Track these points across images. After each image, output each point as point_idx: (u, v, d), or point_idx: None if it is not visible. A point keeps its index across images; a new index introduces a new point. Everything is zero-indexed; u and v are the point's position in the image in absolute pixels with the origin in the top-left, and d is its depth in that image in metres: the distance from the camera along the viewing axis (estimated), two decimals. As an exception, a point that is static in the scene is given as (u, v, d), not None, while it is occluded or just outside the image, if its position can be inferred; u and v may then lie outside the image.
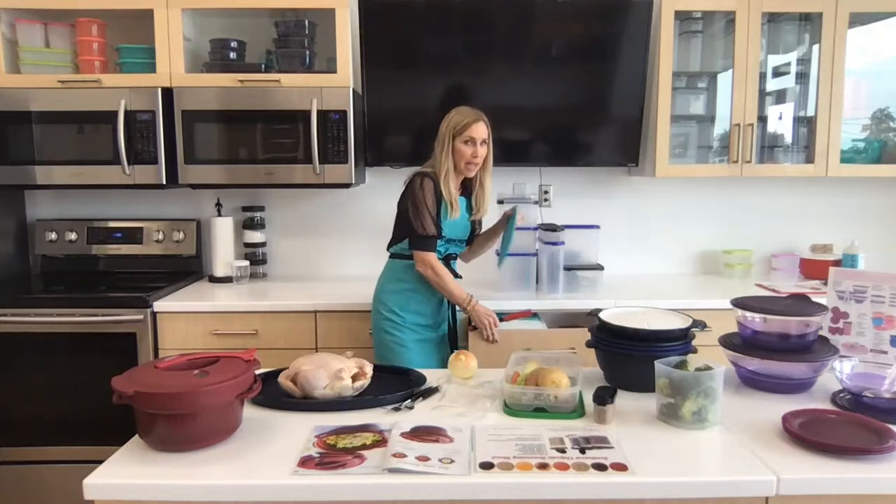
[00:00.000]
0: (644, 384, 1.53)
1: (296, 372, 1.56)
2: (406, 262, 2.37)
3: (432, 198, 2.31)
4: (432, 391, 1.61)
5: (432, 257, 2.31)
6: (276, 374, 1.67)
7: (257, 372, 1.65)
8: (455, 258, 2.51)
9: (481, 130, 2.33)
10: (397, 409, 1.50)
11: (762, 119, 2.98)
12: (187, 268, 3.10)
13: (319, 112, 2.71)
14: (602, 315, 1.72)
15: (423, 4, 2.83)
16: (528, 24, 2.85)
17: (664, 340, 1.61)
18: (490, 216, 2.56)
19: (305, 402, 1.53)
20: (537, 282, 2.82)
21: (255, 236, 3.12)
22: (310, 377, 1.52)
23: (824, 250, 3.13)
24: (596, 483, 1.19)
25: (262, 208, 3.14)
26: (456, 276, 2.43)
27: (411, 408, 1.51)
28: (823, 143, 2.89)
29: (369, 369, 1.60)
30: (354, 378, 1.55)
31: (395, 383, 1.67)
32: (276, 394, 1.57)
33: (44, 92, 2.71)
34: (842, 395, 1.56)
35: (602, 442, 1.33)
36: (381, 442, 1.33)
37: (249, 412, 1.47)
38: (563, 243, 2.75)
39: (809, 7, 2.85)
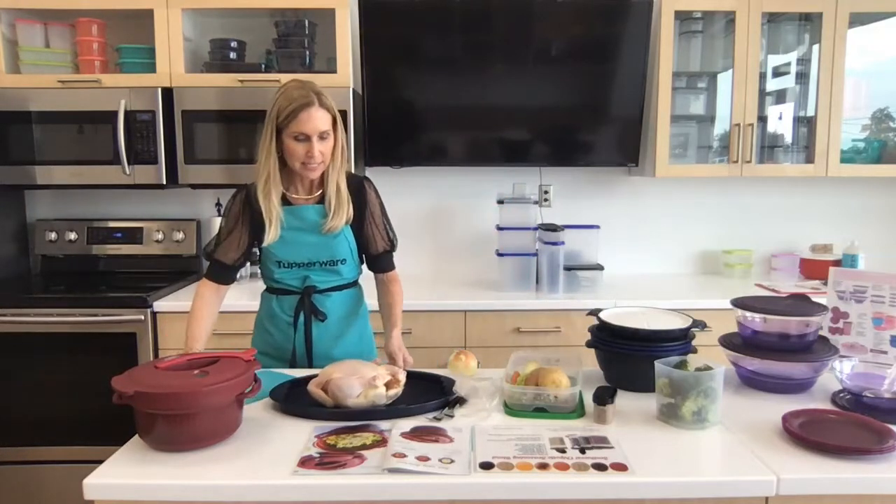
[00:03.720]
0: (644, 384, 1.53)
1: (327, 380, 1.50)
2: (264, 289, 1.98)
3: (241, 210, 1.84)
4: (463, 399, 1.55)
5: (200, 285, 1.92)
6: (304, 381, 1.59)
7: (282, 379, 1.63)
8: (320, 291, 1.88)
9: (316, 120, 1.73)
10: (438, 420, 1.45)
11: (762, 119, 2.98)
12: (187, 268, 3.10)
13: (319, 112, 2.71)
14: (602, 315, 1.72)
15: (423, 4, 2.83)
16: (528, 24, 2.85)
17: (664, 340, 1.61)
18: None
19: (339, 412, 1.46)
20: (537, 282, 2.83)
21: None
22: (343, 385, 1.46)
23: (824, 250, 3.13)
24: (596, 483, 1.19)
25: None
26: (318, 316, 1.89)
27: (451, 416, 1.46)
28: (823, 143, 2.89)
29: (402, 377, 1.55)
30: (388, 386, 1.50)
31: (427, 390, 1.60)
32: (305, 403, 1.51)
33: (44, 92, 2.71)
34: (842, 395, 1.56)
35: (602, 442, 1.33)
36: (381, 442, 1.32)
37: (249, 412, 1.47)
38: (563, 243, 2.75)
39: (809, 7, 2.85)
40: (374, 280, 2.02)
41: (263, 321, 1.97)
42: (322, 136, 1.75)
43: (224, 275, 1.91)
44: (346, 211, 1.84)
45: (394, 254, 2.01)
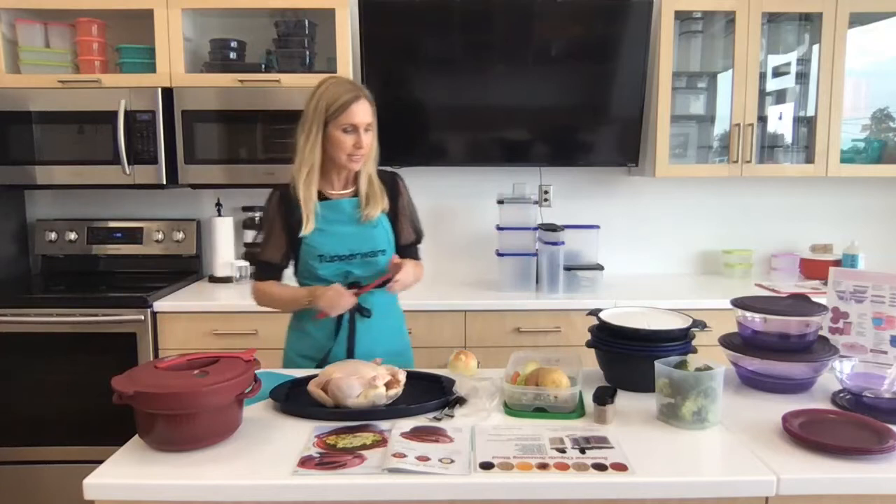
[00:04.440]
0: (644, 384, 1.53)
1: (327, 380, 1.50)
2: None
3: (277, 211, 1.88)
4: (463, 399, 1.55)
5: (255, 286, 1.95)
6: (304, 381, 1.59)
7: (283, 380, 1.63)
8: (363, 286, 1.86)
9: (365, 112, 1.83)
10: (438, 419, 1.45)
11: (762, 119, 2.98)
12: (187, 268, 3.10)
13: (319, 112, 2.71)
14: (602, 315, 1.72)
15: (423, 4, 2.83)
16: (528, 24, 2.85)
17: (664, 340, 1.61)
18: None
19: (339, 412, 1.46)
20: (537, 282, 2.83)
21: (255, 236, 3.11)
22: (342, 385, 1.46)
23: (824, 250, 3.13)
24: (596, 483, 1.19)
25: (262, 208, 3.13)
26: (364, 313, 1.89)
27: (451, 416, 1.46)
28: (823, 143, 2.89)
29: (402, 377, 1.55)
30: (388, 386, 1.50)
31: (427, 390, 1.60)
32: (305, 403, 1.51)
33: (44, 92, 2.71)
34: (842, 395, 1.56)
35: (602, 442, 1.33)
36: (381, 442, 1.32)
37: (249, 412, 1.47)
38: (563, 243, 2.75)
39: (809, 7, 2.85)
40: None
41: (303, 323, 1.95)
42: (367, 128, 1.84)
43: (273, 274, 1.95)
44: (382, 201, 1.91)
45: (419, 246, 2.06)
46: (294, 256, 1.93)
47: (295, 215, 1.85)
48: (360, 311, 1.90)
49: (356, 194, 1.91)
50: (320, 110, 1.80)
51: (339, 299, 1.79)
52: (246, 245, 3.08)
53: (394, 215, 1.96)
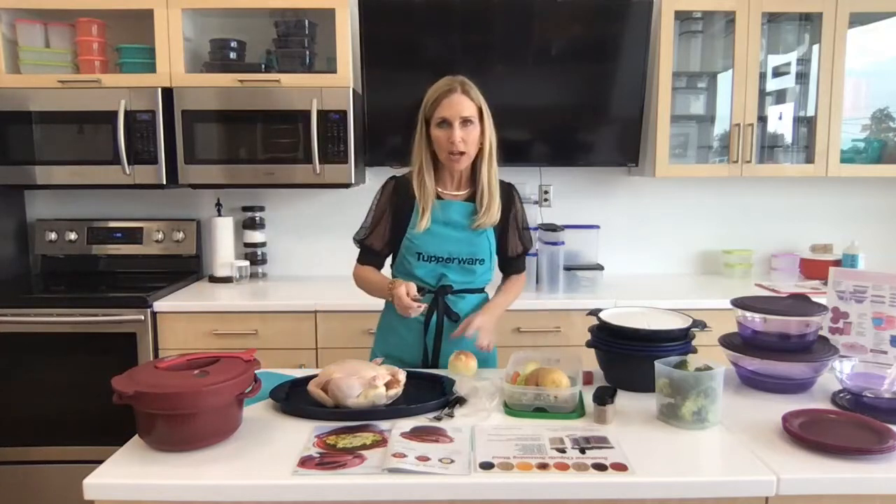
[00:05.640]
0: (644, 384, 1.53)
1: (327, 380, 1.50)
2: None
3: (388, 200, 1.88)
4: (463, 399, 1.55)
5: (356, 268, 1.94)
6: (304, 381, 1.59)
7: (283, 379, 1.63)
8: (454, 291, 1.87)
9: (458, 105, 1.75)
10: (438, 419, 1.45)
11: (762, 119, 2.98)
12: (187, 268, 3.10)
13: (319, 112, 2.71)
14: (602, 315, 1.72)
15: (423, 4, 2.83)
16: (527, 24, 2.85)
17: (664, 340, 1.61)
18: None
19: (339, 412, 1.46)
20: (537, 282, 2.82)
21: (255, 236, 3.12)
22: (342, 385, 1.46)
23: (824, 250, 3.13)
24: (596, 483, 1.19)
25: (262, 208, 3.14)
26: (451, 316, 1.87)
27: (451, 416, 1.46)
28: (823, 143, 2.89)
29: (402, 377, 1.55)
30: (388, 386, 1.50)
31: (427, 390, 1.60)
32: (305, 402, 1.51)
33: (44, 92, 2.71)
34: (842, 395, 1.56)
35: (602, 442, 1.33)
36: (380, 442, 1.32)
37: (249, 412, 1.47)
38: (563, 243, 2.75)
39: (809, 7, 2.85)
40: (501, 280, 2.03)
41: (393, 322, 1.93)
42: (465, 123, 1.76)
43: (375, 260, 1.93)
44: (497, 210, 1.85)
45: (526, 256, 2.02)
46: (395, 248, 1.92)
47: (405, 208, 1.84)
48: (447, 314, 1.88)
49: (469, 196, 1.87)
50: (422, 108, 1.80)
51: (403, 311, 1.75)
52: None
53: (502, 227, 1.91)
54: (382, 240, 1.90)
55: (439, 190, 1.87)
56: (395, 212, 1.87)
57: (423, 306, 1.77)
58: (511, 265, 2.00)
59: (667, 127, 2.90)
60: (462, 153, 1.77)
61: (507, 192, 1.93)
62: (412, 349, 1.90)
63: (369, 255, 1.92)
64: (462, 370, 1.72)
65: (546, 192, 3.16)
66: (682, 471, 1.23)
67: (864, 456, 1.26)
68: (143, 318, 2.55)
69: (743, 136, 2.88)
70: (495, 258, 1.95)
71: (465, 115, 1.75)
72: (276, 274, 3.20)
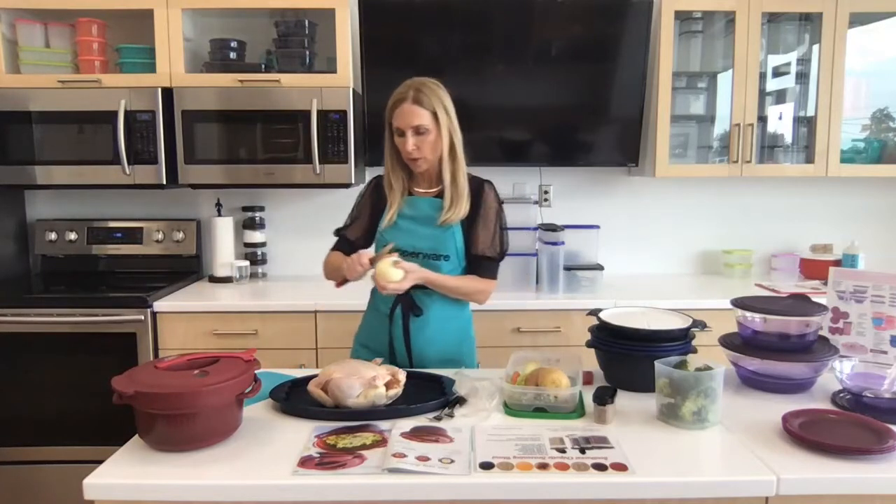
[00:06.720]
0: (644, 384, 1.53)
1: (327, 380, 1.50)
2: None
3: (370, 197, 1.97)
4: (463, 399, 1.55)
5: (326, 256, 1.99)
6: (304, 381, 1.60)
7: (283, 379, 1.63)
8: (419, 286, 1.81)
9: (409, 115, 1.77)
10: (438, 419, 1.45)
11: (762, 119, 2.98)
12: (187, 268, 3.10)
13: (319, 112, 2.71)
14: (602, 315, 1.72)
15: (422, 4, 2.83)
16: (527, 24, 2.85)
17: (664, 340, 1.61)
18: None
19: (339, 412, 1.46)
20: (537, 282, 2.83)
21: (255, 236, 3.12)
22: (342, 385, 1.46)
23: (824, 250, 3.13)
24: (596, 483, 1.19)
25: (262, 208, 3.14)
26: (415, 311, 1.87)
27: (451, 416, 1.46)
28: (823, 143, 2.89)
29: (402, 377, 1.55)
30: (388, 386, 1.50)
31: (427, 390, 1.60)
32: (305, 402, 1.51)
33: (44, 92, 2.71)
34: (842, 395, 1.56)
35: (602, 442, 1.33)
36: (381, 442, 1.32)
37: (249, 412, 1.47)
38: (562, 243, 2.75)
39: (809, 7, 2.85)
40: None
41: (367, 313, 2.01)
42: (418, 131, 1.79)
43: (346, 248, 1.96)
44: (464, 206, 1.86)
45: (498, 264, 1.93)
46: (370, 242, 1.99)
47: (382, 205, 1.92)
48: (411, 308, 1.88)
49: (440, 194, 1.88)
50: (387, 111, 1.84)
51: (353, 263, 1.77)
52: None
53: (469, 221, 1.88)
54: (361, 232, 1.98)
55: (414, 188, 1.93)
56: (373, 208, 1.95)
57: (372, 270, 1.76)
58: (479, 266, 1.90)
59: (667, 127, 2.90)
60: (417, 158, 1.82)
61: (478, 188, 1.91)
62: (378, 336, 1.93)
63: (342, 242, 1.99)
64: (384, 274, 1.70)
65: (546, 192, 3.16)
66: (682, 471, 1.23)
67: (864, 456, 1.26)
68: (143, 318, 2.55)
69: (743, 136, 2.88)
70: (462, 256, 1.90)
71: (415, 125, 1.78)
72: (276, 274, 3.20)
